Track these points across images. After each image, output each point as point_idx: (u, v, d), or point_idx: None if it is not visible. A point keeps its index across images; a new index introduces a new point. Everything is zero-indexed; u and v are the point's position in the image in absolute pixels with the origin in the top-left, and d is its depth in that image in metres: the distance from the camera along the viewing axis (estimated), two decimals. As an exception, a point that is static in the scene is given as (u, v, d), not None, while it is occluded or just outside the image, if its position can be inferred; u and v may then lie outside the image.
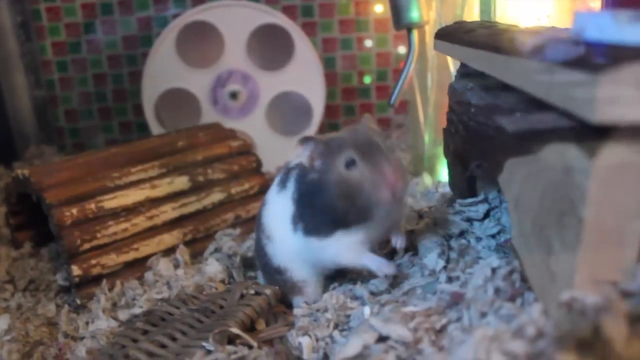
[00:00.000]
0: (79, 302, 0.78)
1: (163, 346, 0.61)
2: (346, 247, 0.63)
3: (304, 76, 1.27)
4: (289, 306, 0.71)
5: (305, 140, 0.63)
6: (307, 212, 0.65)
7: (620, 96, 0.35)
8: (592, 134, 0.38)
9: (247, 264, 0.82)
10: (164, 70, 1.25)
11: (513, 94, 0.52)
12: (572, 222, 0.41)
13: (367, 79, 1.46)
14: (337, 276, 0.73)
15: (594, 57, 0.36)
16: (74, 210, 0.81)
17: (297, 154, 0.63)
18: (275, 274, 0.70)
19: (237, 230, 0.91)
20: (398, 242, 0.65)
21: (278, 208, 0.69)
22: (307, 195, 0.64)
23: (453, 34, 0.64)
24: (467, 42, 0.57)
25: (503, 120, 0.52)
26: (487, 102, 0.57)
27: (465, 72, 0.66)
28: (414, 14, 0.94)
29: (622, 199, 0.39)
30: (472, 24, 0.65)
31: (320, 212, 0.63)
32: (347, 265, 0.66)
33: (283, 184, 0.69)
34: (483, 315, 0.48)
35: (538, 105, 0.46)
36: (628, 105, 0.35)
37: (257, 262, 0.76)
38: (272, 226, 0.70)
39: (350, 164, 0.60)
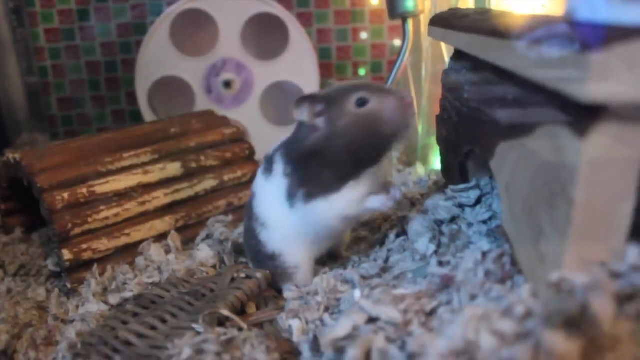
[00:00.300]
0: (69, 286, 0.78)
1: (153, 328, 0.61)
2: (355, 199, 0.64)
3: (299, 66, 1.27)
4: (280, 292, 0.71)
5: (302, 99, 0.63)
6: (312, 174, 0.64)
7: (611, 75, 0.35)
8: (583, 117, 0.39)
9: (239, 249, 0.82)
10: (158, 58, 1.24)
11: (505, 80, 0.52)
12: (562, 204, 0.41)
13: (362, 71, 1.46)
14: (328, 261, 0.73)
15: (586, 37, 0.36)
16: (66, 195, 0.80)
17: (297, 113, 0.64)
18: (267, 261, 0.70)
19: (229, 217, 0.91)
20: (396, 193, 0.65)
21: (269, 193, 0.69)
22: (311, 156, 0.64)
23: (447, 20, 0.64)
24: (461, 27, 0.58)
25: (495, 105, 0.52)
26: (479, 88, 0.57)
27: (458, 59, 0.66)
28: (409, 3, 0.94)
29: (611, 181, 0.39)
30: (467, 11, 0.65)
31: (329, 167, 0.63)
32: (351, 217, 0.66)
33: (269, 170, 0.70)
34: (473, 297, 0.49)
35: (530, 90, 0.46)
36: (619, 85, 0.35)
37: (248, 252, 0.75)
38: (265, 213, 0.70)
39: (362, 102, 0.61)
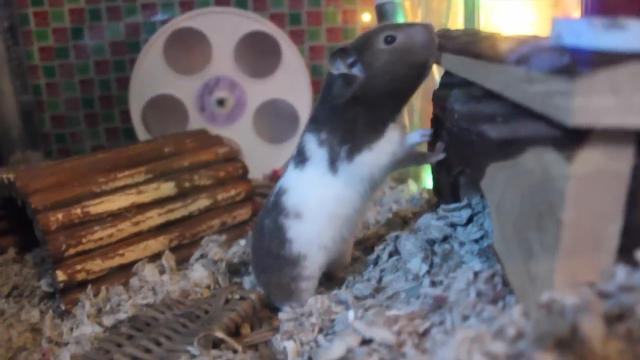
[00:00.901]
0: (63, 307, 0.78)
1: (148, 351, 0.60)
2: (398, 140, 0.67)
3: (291, 84, 1.28)
4: (273, 310, 0.71)
5: (334, 54, 0.65)
6: (351, 128, 0.66)
7: (596, 100, 0.36)
8: (570, 139, 0.39)
9: (233, 269, 0.82)
10: (152, 76, 1.25)
11: (495, 101, 0.53)
12: (551, 225, 0.42)
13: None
14: (325, 282, 0.73)
15: (571, 63, 0.37)
16: (60, 215, 0.80)
17: (333, 68, 0.65)
18: (285, 268, 0.69)
19: (223, 237, 0.92)
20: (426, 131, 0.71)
21: (305, 177, 0.69)
22: (348, 109, 0.66)
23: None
24: (451, 49, 0.58)
25: (485, 126, 0.53)
26: (469, 109, 0.58)
27: (448, 79, 0.67)
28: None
29: (599, 202, 0.40)
30: (456, 32, 0.67)
31: (369, 114, 0.65)
32: (399, 159, 0.67)
33: (300, 158, 0.70)
34: (465, 318, 0.49)
35: (519, 111, 0.47)
36: (603, 110, 0.36)
37: (259, 261, 0.73)
38: (301, 201, 0.69)
39: (390, 39, 0.64)
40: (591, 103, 0.36)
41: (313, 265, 0.69)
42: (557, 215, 0.41)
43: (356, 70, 0.65)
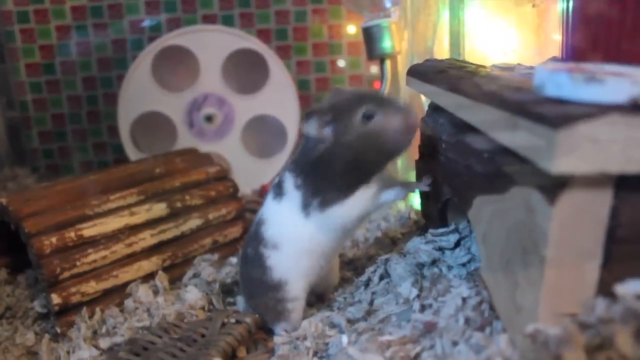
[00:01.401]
0: (59, 330, 0.79)
1: (147, 376, 0.62)
2: (370, 197, 0.67)
3: (279, 100, 1.30)
4: (268, 332, 0.73)
5: (309, 114, 0.66)
6: (323, 183, 0.67)
7: (576, 150, 0.39)
8: (552, 183, 0.42)
9: (226, 290, 0.84)
10: (140, 93, 1.26)
11: (481, 136, 0.55)
12: (535, 260, 0.44)
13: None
14: (316, 302, 0.75)
15: (552, 115, 0.39)
16: (54, 239, 0.81)
17: (307, 129, 0.66)
18: (269, 293, 0.71)
19: (216, 256, 0.93)
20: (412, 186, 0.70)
21: (282, 212, 0.71)
22: (320, 166, 0.67)
23: (424, 73, 0.67)
24: (438, 82, 0.61)
25: (472, 160, 0.56)
26: (457, 139, 0.61)
27: (436, 107, 0.70)
28: (387, 45, 0.98)
29: (579, 240, 0.43)
30: (443, 64, 0.69)
31: (339, 175, 0.66)
32: (370, 213, 0.70)
33: (279, 191, 0.71)
34: (454, 344, 0.51)
35: (504, 149, 0.49)
36: (583, 158, 0.39)
37: (245, 286, 0.76)
38: (278, 233, 0.71)
39: (368, 116, 0.64)
40: (573, 153, 0.38)
41: (295, 288, 0.71)
42: (541, 253, 0.43)
43: (328, 131, 0.65)
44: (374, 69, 1.47)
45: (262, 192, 1.26)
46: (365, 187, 0.66)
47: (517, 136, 0.43)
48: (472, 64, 0.69)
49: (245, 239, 0.78)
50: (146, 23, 1.39)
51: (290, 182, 0.70)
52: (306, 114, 0.66)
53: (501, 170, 0.50)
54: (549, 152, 0.39)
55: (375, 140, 0.64)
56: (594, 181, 0.41)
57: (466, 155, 0.57)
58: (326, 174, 0.67)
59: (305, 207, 0.68)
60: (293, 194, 0.69)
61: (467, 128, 0.59)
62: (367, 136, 0.64)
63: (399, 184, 0.68)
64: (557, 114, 0.39)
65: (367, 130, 0.64)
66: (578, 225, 0.42)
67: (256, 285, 0.73)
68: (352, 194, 0.66)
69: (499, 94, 0.48)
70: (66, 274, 0.81)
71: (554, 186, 0.42)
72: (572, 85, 0.40)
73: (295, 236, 0.70)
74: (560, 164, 0.39)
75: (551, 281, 0.44)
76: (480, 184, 0.54)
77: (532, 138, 0.41)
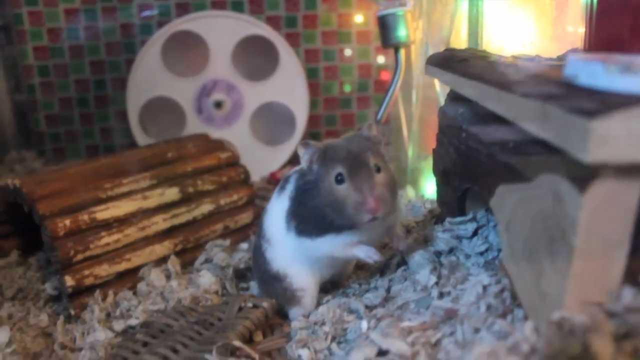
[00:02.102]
0: (72, 312, 0.79)
1: (165, 358, 0.62)
2: (340, 245, 0.67)
3: (288, 87, 1.30)
4: (284, 317, 0.73)
5: (306, 144, 0.67)
6: (301, 213, 0.68)
7: (610, 140, 0.39)
8: (582, 170, 0.42)
9: (239, 275, 0.84)
10: (149, 79, 1.26)
11: (505, 124, 0.55)
12: (563, 249, 0.45)
13: (348, 87, 1.49)
14: (331, 289, 0.76)
15: (587, 104, 0.39)
16: (67, 221, 0.81)
17: (301, 157, 0.68)
18: (274, 281, 0.72)
19: (227, 241, 0.93)
20: (400, 244, 0.69)
21: (277, 210, 0.72)
22: (303, 195, 0.68)
23: (446, 62, 0.67)
24: (461, 71, 0.61)
25: (495, 148, 0.56)
26: (478, 129, 0.61)
27: (455, 96, 0.70)
28: (402, 34, 0.98)
29: (608, 228, 0.43)
30: (465, 53, 0.69)
31: (312, 214, 0.67)
32: (339, 258, 0.70)
33: (282, 187, 0.73)
34: (476, 330, 0.52)
35: (531, 138, 0.50)
36: (617, 149, 0.39)
37: (255, 272, 0.78)
38: (272, 229, 0.73)
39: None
40: (606, 143, 0.39)
41: (298, 281, 0.72)
42: (569, 241, 0.44)
43: (316, 169, 0.67)
44: (382, 59, 1.47)
45: (271, 180, 1.26)
46: (334, 235, 0.66)
47: (548, 125, 0.43)
48: (493, 54, 0.69)
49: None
50: (146, 13, 1.38)
51: (290, 188, 0.71)
52: (303, 143, 0.67)
53: (527, 159, 0.50)
54: (582, 141, 0.39)
55: (337, 203, 0.64)
56: (624, 171, 0.41)
57: (490, 144, 0.57)
58: (305, 205, 0.68)
59: (287, 221, 0.70)
60: (285, 200, 0.71)
61: (490, 117, 0.59)
62: (332, 195, 0.64)
63: (373, 248, 0.67)
64: (591, 104, 0.39)
65: (334, 190, 0.64)
66: (607, 215, 0.42)
67: (262, 272, 0.74)
68: (320, 235, 0.67)
69: (528, 83, 0.48)
70: (79, 257, 0.81)
71: (585, 175, 0.42)
72: (607, 75, 0.40)
73: (282, 243, 0.71)
74: (594, 154, 0.39)
75: (578, 269, 0.44)
76: (504, 173, 0.54)
77: (564, 127, 0.41)
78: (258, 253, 0.75)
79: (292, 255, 0.71)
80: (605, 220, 0.43)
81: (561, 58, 0.65)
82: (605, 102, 0.39)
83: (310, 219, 0.67)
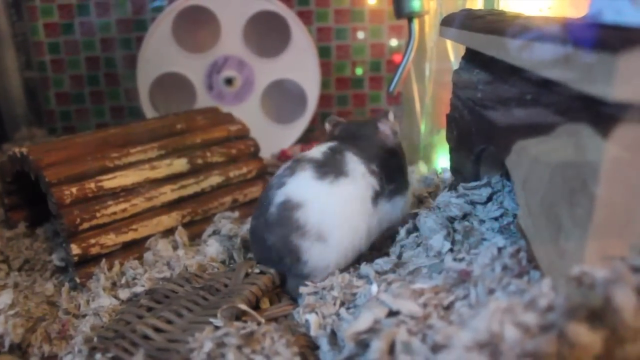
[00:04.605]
0: (78, 281, 0.78)
1: (169, 322, 0.61)
2: (409, 201, 0.76)
3: (300, 64, 1.27)
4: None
5: (385, 114, 0.76)
6: (394, 172, 0.73)
7: (637, 76, 0.36)
8: (605, 115, 0.40)
9: (247, 246, 0.83)
10: (160, 54, 1.24)
11: (522, 79, 0.53)
12: (584, 200, 0.42)
13: (360, 70, 1.47)
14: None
15: (612, 38, 0.37)
16: (74, 189, 0.80)
17: (380, 124, 0.75)
18: (300, 280, 0.66)
19: (236, 213, 0.92)
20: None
21: (339, 197, 0.67)
22: (395, 158, 0.75)
23: (461, 21, 0.65)
24: (477, 28, 0.59)
25: (512, 104, 0.54)
26: (494, 87, 0.58)
27: (470, 58, 0.68)
28: (416, 3, 0.95)
29: (633, 177, 0.40)
30: (481, 12, 0.67)
31: (401, 174, 0.75)
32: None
33: (335, 169, 0.68)
34: (491, 291, 0.50)
35: (548, 88, 0.47)
36: (644, 85, 0.36)
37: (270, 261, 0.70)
38: (326, 224, 0.65)
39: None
40: (633, 79, 0.36)
41: (327, 274, 0.68)
42: (591, 191, 0.41)
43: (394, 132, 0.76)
44: (394, 42, 1.44)
45: (281, 157, 1.25)
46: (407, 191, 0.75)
47: (570, 66, 0.41)
48: (510, 12, 0.67)
49: (259, 209, 0.71)
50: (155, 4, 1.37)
51: (359, 167, 0.69)
52: (382, 114, 0.76)
53: (546, 110, 0.48)
54: (607, 78, 0.37)
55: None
56: (651, 113, 0.38)
57: (505, 100, 0.55)
58: (395, 164, 0.74)
59: (377, 194, 0.70)
60: (363, 180, 0.69)
61: (507, 73, 0.57)
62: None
63: None
64: (617, 39, 0.37)
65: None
66: (632, 161, 0.40)
67: (283, 270, 0.68)
68: (407, 188, 0.75)
69: (549, 28, 0.46)
70: (85, 225, 0.80)
71: (608, 119, 0.39)
72: (634, 9, 0.38)
73: (355, 224, 0.67)
74: (620, 91, 0.37)
75: (600, 221, 0.41)
76: (520, 129, 0.52)
77: (587, 66, 0.39)
78: (284, 255, 0.66)
79: (358, 234, 0.68)
80: (629, 167, 0.40)
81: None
82: (632, 37, 0.36)
83: (402, 171, 0.75)
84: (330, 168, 0.68)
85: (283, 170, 0.70)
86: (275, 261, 0.68)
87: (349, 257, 0.68)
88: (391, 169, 0.72)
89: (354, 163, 0.69)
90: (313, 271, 0.66)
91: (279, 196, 0.67)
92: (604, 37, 0.38)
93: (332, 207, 0.66)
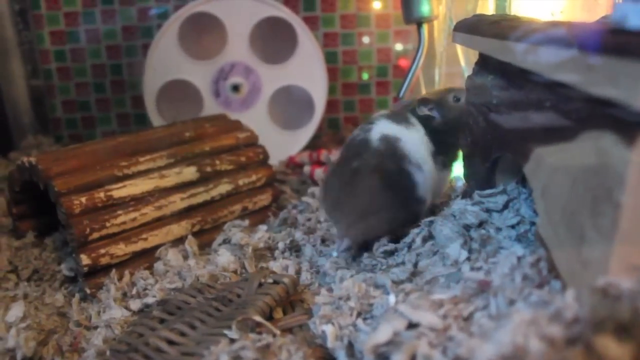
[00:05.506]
0: (88, 291, 0.77)
1: (182, 334, 0.60)
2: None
3: (307, 70, 1.27)
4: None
5: (421, 101, 0.79)
6: (447, 147, 0.78)
7: (666, 84, 0.35)
8: (628, 123, 0.39)
9: (259, 255, 0.82)
10: (166, 61, 1.24)
11: (537, 85, 0.52)
12: (608, 209, 0.41)
13: (366, 75, 1.46)
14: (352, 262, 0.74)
15: (638, 45, 0.36)
16: (83, 199, 0.80)
17: (419, 110, 0.79)
18: (416, 205, 0.74)
19: (246, 222, 0.91)
20: None
21: (416, 141, 0.76)
22: (444, 134, 0.78)
23: (475, 26, 0.64)
24: (492, 33, 0.58)
25: (530, 110, 0.53)
26: (510, 93, 0.58)
27: (483, 64, 0.67)
28: (425, 8, 0.94)
29: (659, 185, 0.40)
30: (494, 17, 0.66)
31: (457, 144, 0.78)
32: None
33: (405, 120, 0.78)
34: (511, 302, 0.49)
35: (568, 96, 0.46)
36: (674, 93, 0.36)
37: (383, 200, 0.74)
38: (419, 156, 0.74)
39: (457, 99, 0.79)
40: (661, 85, 0.35)
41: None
42: (616, 199, 0.40)
43: (435, 114, 0.79)
44: (400, 46, 1.44)
45: (289, 164, 1.24)
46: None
47: (595, 73, 0.40)
48: (525, 17, 0.66)
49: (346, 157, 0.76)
50: (154, 11, 1.37)
51: (419, 130, 0.78)
52: (418, 101, 0.79)
53: (565, 117, 0.47)
54: (633, 85, 0.36)
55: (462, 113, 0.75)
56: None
57: (522, 106, 0.54)
58: (452, 137, 0.78)
59: (435, 157, 0.77)
60: (426, 139, 0.77)
61: (523, 80, 0.56)
62: (459, 110, 0.77)
63: None
64: (643, 45, 0.36)
65: (458, 107, 0.78)
66: (659, 170, 0.39)
67: (395, 200, 0.73)
68: (451, 164, 0.80)
69: (569, 33, 0.45)
70: (95, 235, 0.79)
71: (633, 126, 0.39)
72: (661, 15, 0.37)
73: (429, 172, 0.75)
74: (649, 99, 0.36)
75: (625, 230, 0.40)
76: (539, 135, 0.51)
77: (612, 73, 0.38)
78: (396, 180, 0.73)
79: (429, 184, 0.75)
80: (656, 176, 0.39)
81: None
82: (660, 43, 0.36)
83: (456, 149, 0.79)
84: (400, 120, 0.77)
85: (360, 128, 0.78)
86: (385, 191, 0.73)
87: (428, 198, 0.75)
88: (443, 143, 0.78)
89: (416, 123, 0.78)
90: (422, 193, 0.74)
91: (374, 134, 0.75)
92: (630, 44, 0.37)
93: (417, 143, 0.75)
